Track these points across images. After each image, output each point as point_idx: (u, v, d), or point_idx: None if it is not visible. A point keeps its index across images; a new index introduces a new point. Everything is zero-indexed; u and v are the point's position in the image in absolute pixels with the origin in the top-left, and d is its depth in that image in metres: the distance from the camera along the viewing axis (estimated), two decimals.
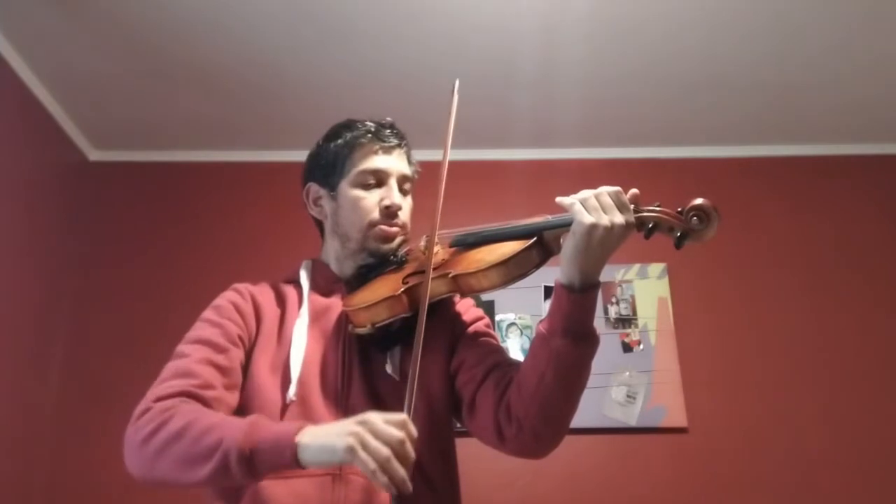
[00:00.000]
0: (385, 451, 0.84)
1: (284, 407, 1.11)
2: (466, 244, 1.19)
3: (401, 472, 0.84)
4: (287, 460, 0.89)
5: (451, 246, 1.21)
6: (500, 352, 1.21)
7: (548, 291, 2.60)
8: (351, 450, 0.85)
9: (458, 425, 1.22)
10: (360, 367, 1.17)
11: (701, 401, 2.54)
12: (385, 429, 0.86)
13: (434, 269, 1.13)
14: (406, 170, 1.29)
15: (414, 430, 0.88)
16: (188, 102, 2.67)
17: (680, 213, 1.01)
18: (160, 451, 0.97)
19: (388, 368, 1.17)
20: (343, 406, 1.13)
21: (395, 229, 1.25)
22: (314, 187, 1.31)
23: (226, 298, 1.22)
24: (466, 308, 1.29)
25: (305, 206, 1.34)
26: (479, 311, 1.31)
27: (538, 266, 1.09)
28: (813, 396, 2.56)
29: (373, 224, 1.24)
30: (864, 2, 2.20)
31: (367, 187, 1.25)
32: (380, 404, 1.13)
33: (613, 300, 2.70)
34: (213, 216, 2.86)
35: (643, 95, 2.65)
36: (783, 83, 2.58)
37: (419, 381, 0.99)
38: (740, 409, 2.55)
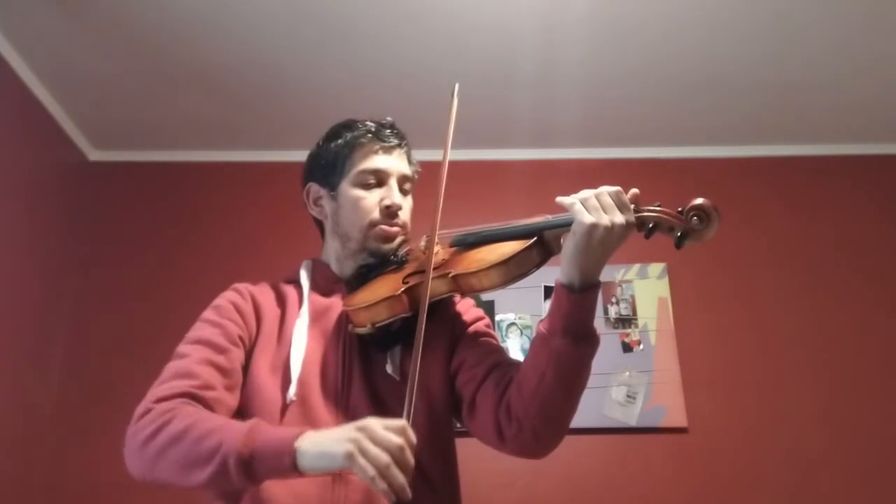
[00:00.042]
0: (384, 457, 0.84)
1: (284, 407, 1.11)
2: (466, 244, 1.19)
3: (400, 478, 0.84)
4: (286, 466, 0.89)
5: (451, 246, 1.21)
6: (501, 352, 1.21)
7: (548, 291, 2.61)
8: (350, 456, 0.84)
9: (458, 425, 1.22)
10: (361, 367, 1.17)
11: (701, 401, 2.54)
12: (384, 435, 0.85)
13: (434, 268, 1.13)
14: (406, 170, 1.29)
15: (413, 437, 0.88)
16: (188, 102, 2.67)
17: (680, 212, 1.01)
18: (160, 454, 0.97)
19: (389, 368, 1.17)
20: (343, 406, 1.13)
21: (395, 229, 1.25)
22: (314, 187, 1.31)
23: (226, 298, 1.22)
24: (467, 308, 1.29)
25: (305, 206, 1.34)
26: (480, 311, 1.31)
27: (538, 266, 1.09)
28: (813, 396, 2.56)
29: (373, 224, 1.24)
30: (864, 2, 2.20)
31: (367, 187, 1.25)
32: (380, 404, 1.14)
33: (613, 300, 2.70)
34: (213, 216, 2.86)
35: (643, 95, 2.65)
36: (783, 83, 2.58)
37: (419, 381, 0.99)
38: (740, 409, 2.55)
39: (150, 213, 2.87)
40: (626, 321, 2.67)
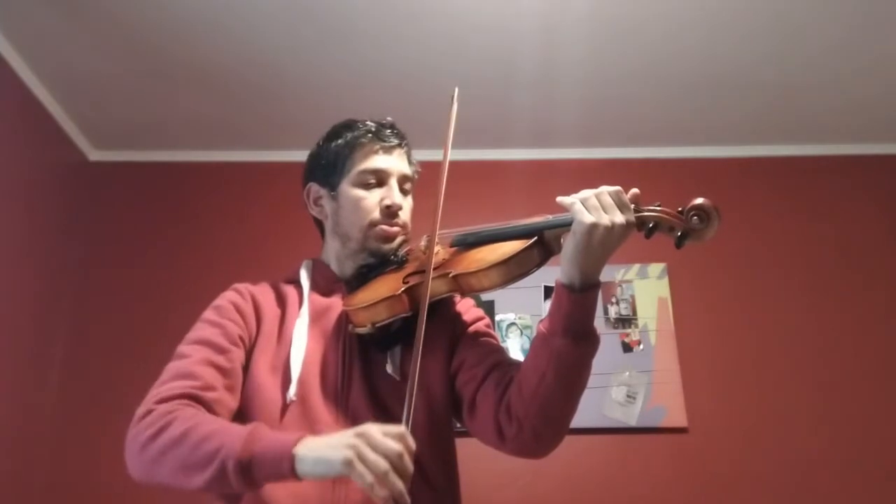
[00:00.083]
0: (383, 464, 0.83)
1: (285, 407, 1.11)
2: (467, 244, 1.19)
3: (399, 485, 0.83)
4: (284, 472, 0.89)
5: (451, 246, 1.21)
6: (501, 352, 1.21)
7: (548, 291, 2.61)
8: (348, 463, 0.84)
9: (458, 425, 1.22)
10: (361, 367, 1.17)
11: (701, 401, 2.54)
12: (383, 441, 0.85)
13: (434, 268, 1.12)
14: (406, 170, 1.29)
15: (412, 443, 0.87)
16: (188, 102, 2.67)
17: (680, 212, 1.01)
18: (160, 456, 0.97)
19: (389, 368, 1.17)
20: (343, 406, 1.13)
21: (395, 229, 1.25)
22: (315, 187, 1.31)
23: (226, 298, 1.22)
24: (467, 308, 1.29)
25: (306, 206, 1.34)
26: (480, 311, 1.31)
27: (539, 265, 1.09)
28: (813, 396, 2.56)
29: (373, 224, 1.24)
30: (864, 2, 2.20)
31: (367, 187, 1.25)
32: (380, 404, 1.14)
33: (613, 300, 2.70)
34: (213, 216, 2.86)
35: (643, 95, 2.65)
36: (783, 83, 2.58)
37: (419, 381, 0.99)
38: (740, 409, 2.55)
39: (151, 213, 2.87)
40: (626, 321, 2.67)
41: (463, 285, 1.12)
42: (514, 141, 2.91)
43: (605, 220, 0.98)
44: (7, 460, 2.32)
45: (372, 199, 1.24)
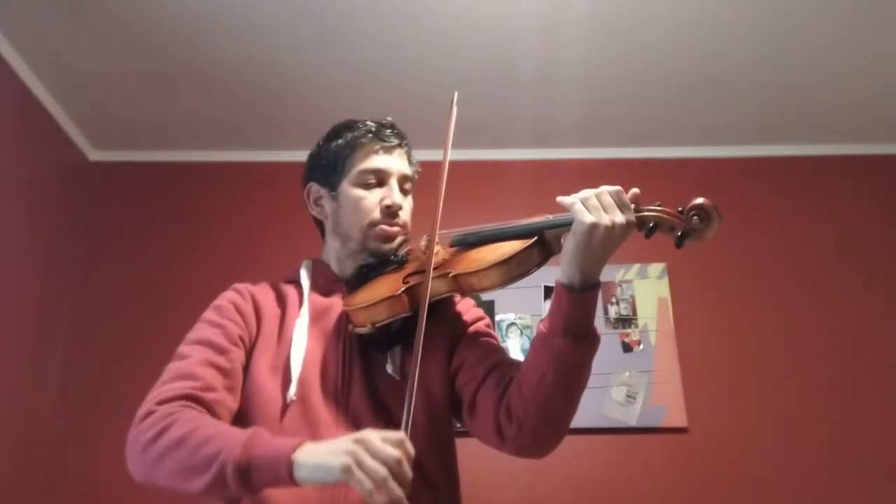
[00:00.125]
0: (382, 471, 0.83)
1: (285, 407, 1.11)
2: (467, 244, 1.19)
3: (397, 492, 0.83)
4: (283, 477, 0.88)
5: (451, 246, 1.21)
6: (501, 352, 1.21)
7: (548, 291, 2.61)
8: (347, 469, 0.83)
9: (458, 425, 1.22)
10: (361, 367, 1.17)
11: (701, 401, 2.54)
12: (382, 448, 0.84)
13: (434, 268, 1.12)
14: (406, 170, 1.29)
15: (412, 449, 0.87)
16: (188, 102, 2.67)
17: (681, 212, 1.01)
18: (160, 458, 0.96)
19: (389, 368, 1.17)
20: (343, 406, 1.13)
21: (395, 229, 1.25)
22: (315, 187, 1.31)
23: (226, 299, 1.22)
24: (467, 308, 1.29)
25: (306, 206, 1.34)
26: (480, 311, 1.31)
27: (539, 265, 1.09)
28: (813, 396, 2.56)
29: (374, 224, 1.24)
30: (864, 2, 2.20)
31: (367, 187, 1.25)
32: (380, 404, 1.14)
33: (613, 300, 2.70)
34: (213, 216, 2.86)
35: (643, 95, 2.65)
36: (783, 83, 2.58)
37: (419, 381, 0.99)
38: (740, 409, 2.55)
39: (151, 213, 2.87)
40: (626, 321, 2.67)
41: (463, 285, 1.12)
42: (514, 141, 2.91)
43: (606, 219, 0.98)
44: (7, 460, 2.32)
45: (372, 199, 1.24)
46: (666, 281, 2.72)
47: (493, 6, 2.23)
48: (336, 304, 1.24)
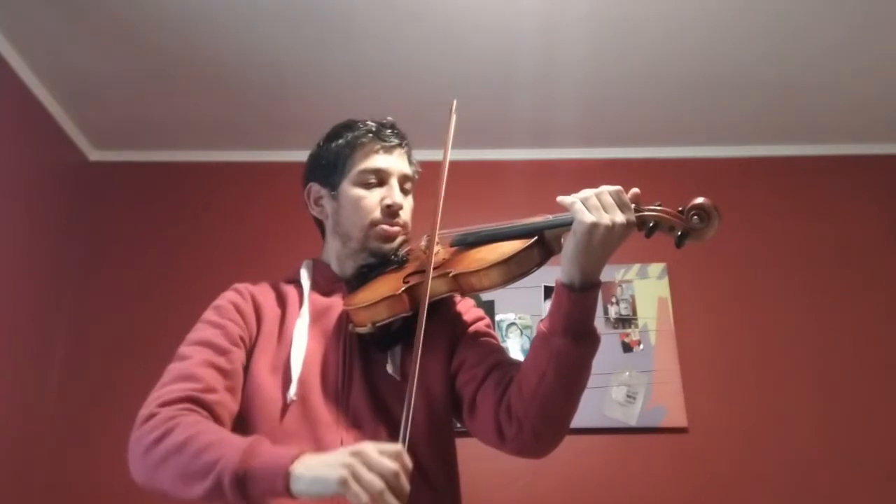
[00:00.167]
0: (379, 483, 0.82)
1: (285, 407, 1.11)
2: (467, 243, 1.19)
3: None
4: (279, 489, 0.87)
5: (451, 245, 1.21)
6: (501, 352, 1.21)
7: (548, 291, 2.61)
8: (343, 482, 0.82)
9: (458, 425, 1.22)
10: (361, 367, 1.17)
11: (701, 401, 2.54)
12: (379, 460, 0.84)
13: (434, 268, 1.12)
14: (407, 169, 1.29)
15: (409, 462, 0.86)
16: (188, 102, 2.67)
17: (681, 212, 1.01)
18: (161, 462, 0.96)
19: (389, 368, 1.17)
20: (344, 406, 1.13)
21: (396, 229, 1.25)
22: (315, 187, 1.31)
23: (226, 299, 1.22)
24: (467, 308, 1.29)
25: (306, 206, 1.34)
26: (480, 311, 1.31)
27: (539, 265, 1.09)
28: (813, 396, 2.56)
29: (374, 223, 1.24)
30: (864, 2, 2.20)
31: (368, 186, 1.25)
32: (380, 404, 1.14)
33: (613, 300, 2.70)
34: (213, 216, 2.86)
35: (643, 95, 2.66)
36: (783, 83, 2.58)
37: (419, 380, 0.99)
38: (740, 409, 2.55)
39: (151, 213, 2.87)
40: (626, 321, 2.67)
41: (463, 285, 1.12)
42: (514, 141, 2.92)
43: (606, 219, 0.98)
44: (7, 460, 2.32)
45: (372, 199, 1.24)
46: (666, 281, 2.72)
47: (493, 6, 2.23)
48: (336, 303, 1.24)
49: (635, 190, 1.03)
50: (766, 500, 2.43)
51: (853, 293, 2.71)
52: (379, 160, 1.26)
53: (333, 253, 1.30)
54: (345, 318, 1.21)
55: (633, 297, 2.71)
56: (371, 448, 0.86)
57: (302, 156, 1.36)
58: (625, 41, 2.38)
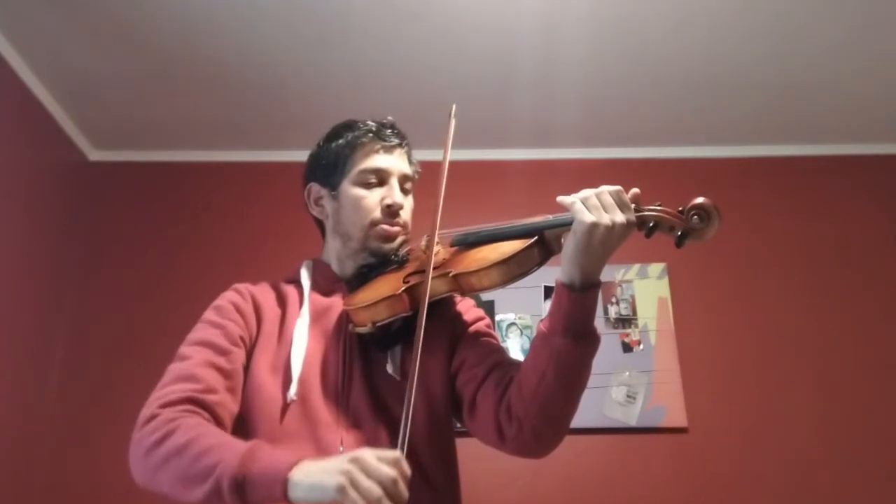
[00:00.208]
0: (377, 490, 0.82)
1: (285, 406, 1.11)
2: (467, 243, 1.19)
3: None
4: (277, 496, 0.87)
5: (451, 245, 1.21)
6: (501, 352, 1.21)
7: (548, 291, 2.61)
8: (341, 489, 0.82)
9: (458, 425, 1.22)
10: (361, 367, 1.17)
11: (701, 401, 2.54)
12: (377, 467, 0.84)
13: (435, 268, 1.13)
14: (407, 169, 1.29)
15: (407, 469, 0.86)
16: (188, 102, 2.67)
17: (681, 212, 1.01)
18: (162, 464, 0.96)
19: (389, 368, 1.17)
20: (344, 405, 1.13)
21: (396, 228, 1.25)
22: (315, 187, 1.31)
23: (226, 299, 1.22)
24: (467, 308, 1.29)
25: (306, 206, 1.34)
26: (480, 311, 1.31)
27: (539, 265, 1.09)
28: (813, 396, 2.56)
29: (374, 223, 1.24)
30: (864, 2, 2.21)
31: (368, 186, 1.25)
32: (380, 404, 1.14)
33: (613, 300, 2.70)
34: (213, 216, 2.86)
35: (643, 95, 2.66)
36: (783, 83, 2.58)
37: (419, 380, 0.99)
38: (740, 409, 2.55)
39: (151, 213, 2.87)
40: (626, 321, 2.67)
41: (463, 285, 1.12)
42: (514, 141, 2.92)
43: (606, 219, 0.98)
44: (7, 460, 2.32)
45: (373, 199, 1.24)
46: (666, 281, 2.72)
47: (493, 6, 2.23)
48: (336, 303, 1.24)
49: (635, 190, 1.03)
50: (766, 500, 2.43)
51: (853, 293, 2.71)
52: (379, 160, 1.26)
53: (333, 253, 1.30)
54: (345, 318, 1.21)
55: (633, 297, 2.71)
56: (369, 455, 0.85)
57: (302, 156, 1.36)
58: (625, 41, 2.38)
